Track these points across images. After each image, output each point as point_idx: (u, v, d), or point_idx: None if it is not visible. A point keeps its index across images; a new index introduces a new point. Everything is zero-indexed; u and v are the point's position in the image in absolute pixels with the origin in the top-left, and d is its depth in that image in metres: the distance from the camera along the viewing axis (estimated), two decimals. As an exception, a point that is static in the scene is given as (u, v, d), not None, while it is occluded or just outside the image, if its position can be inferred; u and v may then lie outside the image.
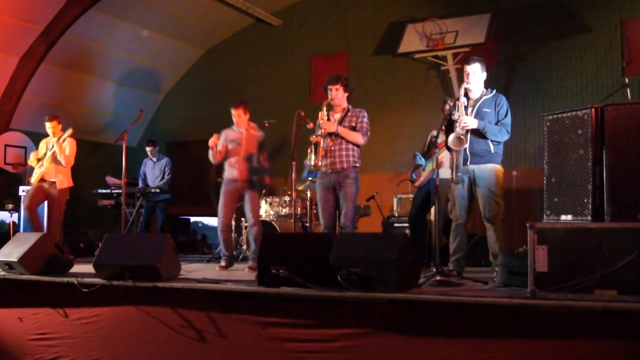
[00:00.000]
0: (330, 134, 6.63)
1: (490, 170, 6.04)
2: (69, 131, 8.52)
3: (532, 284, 4.12)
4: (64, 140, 8.51)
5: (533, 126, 10.28)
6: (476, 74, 6.17)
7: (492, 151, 6.05)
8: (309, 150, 6.73)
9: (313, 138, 6.68)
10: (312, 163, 6.67)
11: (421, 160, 7.72)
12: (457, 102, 6.14)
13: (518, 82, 10.98)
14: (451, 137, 5.94)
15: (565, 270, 4.11)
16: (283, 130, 9.68)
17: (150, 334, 5.25)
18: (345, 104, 6.76)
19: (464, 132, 5.94)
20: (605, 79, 10.26)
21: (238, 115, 7.92)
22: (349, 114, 6.71)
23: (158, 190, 10.29)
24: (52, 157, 8.49)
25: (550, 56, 10.78)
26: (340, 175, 6.56)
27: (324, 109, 6.68)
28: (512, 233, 9.10)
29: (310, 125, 6.95)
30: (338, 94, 6.69)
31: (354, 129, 6.63)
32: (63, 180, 8.52)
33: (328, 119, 6.76)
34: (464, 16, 11.06)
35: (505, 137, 6.05)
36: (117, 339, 5.39)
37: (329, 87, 6.71)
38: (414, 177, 7.84)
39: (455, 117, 6.05)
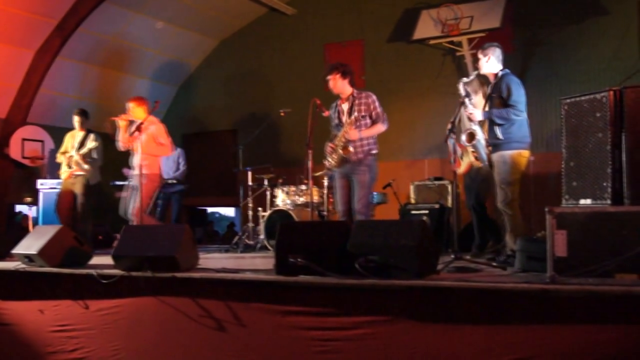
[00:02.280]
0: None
1: (499, 157, 6.07)
2: (97, 143, 8.62)
3: (552, 269, 4.10)
4: (91, 148, 8.63)
5: (550, 110, 10.19)
6: (481, 62, 6.27)
7: (503, 138, 6.02)
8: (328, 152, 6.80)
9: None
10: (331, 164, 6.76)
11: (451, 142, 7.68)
12: (465, 97, 6.22)
13: (534, 67, 10.89)
14: (462, 136, 6.03)
15: (585, 255, 4.08)
16: (298, 119, 9.67)
17: (170, 324, 5.28)
18: (349, 90, 6.75)
19: (472, 126, 6.02)
20: (623, 62, 10.15)
21: (131, 109, 8.05)
22: (356, 101, 6.69)
23: (174, 182, 10.31)
24: (77, 161, 8.60)
25: (566, 40, 10.68)
26: (355, 164, 6.60)
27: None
28: (530, 218, 9.05)
29: (326, 113, 6.95)
30: (336, 84, 6.73)
31: (365, 117, 6.64)
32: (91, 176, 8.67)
33: (339, 112, 6.77)
34: (479, 1, 10.97)
35: (513, 116, 5.97)
36: (137, 330, 5.43)
37: (327, 78, 6.75)
38: (453, 161, 7.78)
39: (467, 111, 6.16)
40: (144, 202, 7.85)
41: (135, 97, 8.25)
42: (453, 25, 10.91)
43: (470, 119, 6.20)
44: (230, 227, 15.41)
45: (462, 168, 7.37)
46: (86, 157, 8.60)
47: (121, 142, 8.13)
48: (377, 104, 6.72)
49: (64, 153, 8.87)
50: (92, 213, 8.89)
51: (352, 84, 6.78)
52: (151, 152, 7.95)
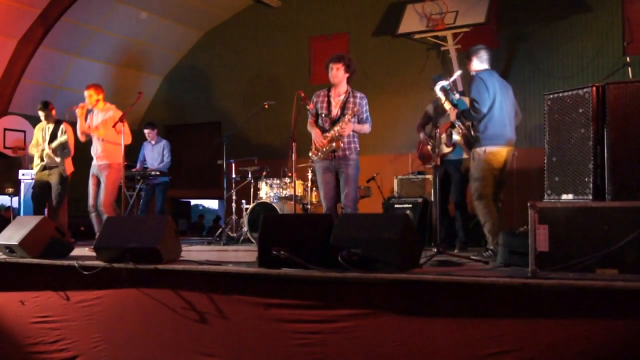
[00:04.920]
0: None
1: (471, 153, 6.26)
2: (67, 135, 8.47)
3: (533, 264, 4.11)
4: (62, 141, 8.47)
5: (533, 106, 10.25)
6: (470, 66, 6.42)
7: (473, 135, 6.20)
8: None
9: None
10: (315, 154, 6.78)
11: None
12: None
13: (518, 62, 10.95)
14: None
15: (566, 250, 4.10)
16: (283, 111, 9.67)
17: (152, 316, 5.26)
18: (345, 86, 6.76)
19: (457, 125, 6.27)
20: (606, 59, 10.22)
21: (89, 96, 7.93)
22: (350, 99, 6.71)
23: (158, 173, 10.27)
24: (49, 154, 8.46)
25: (551, 36, 10.73)
26: (342, 160, 6.63)
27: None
28: (512, 213, 9.09)
29: (311, 106, 6.93)
30: (339, 74, 6.70)
31: (354, 116, 6.68)
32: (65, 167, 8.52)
33: (329, 103, 6.77)
34: (464, -4, 11.02)
35: (472, 113, 6.12)
36: (119, 321, 5.40)
37: (331, 65, 6.73)
38: (423, 156, 7.85)
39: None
40: (112, 193, 7.78)
41: (93, 84, 8.08)
42: (438, 20, 10.94)
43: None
44: (216, 222, 15.37)
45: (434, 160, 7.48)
46: (58, 150, 8.43)
47: (80, 131, 7.99)
48: (367, 107, 6.80)
49: (35, 145, 8.69)
50: (68, 204, 8.76)
51: (349, 81, 6.80)
52: (112, 139, 7.76)
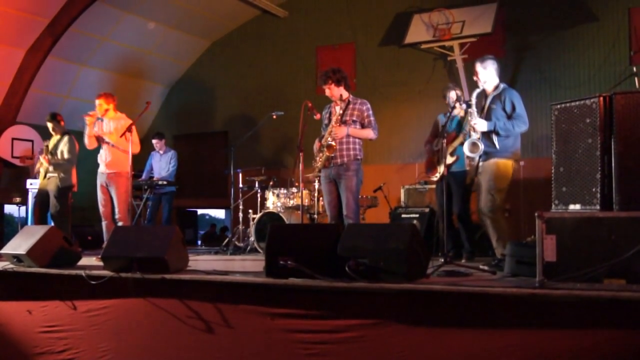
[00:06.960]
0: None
1: (491, 164, 6.13)
2: (65, 145, 8.51)
3: (541, 274, 4.11)
4: (55, 148, 8.52)
5: (540, 116, 10.22)
6: (481, 73, 6.30)
7: (497, 147, 6.07)
8: (316, 152, 6.81)
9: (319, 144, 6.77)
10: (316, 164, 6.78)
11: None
12: (467, 107, 6.33)
13: (525, 72, 10.94)
14: (466, 144, 6.06)
15: (574, 260, 4.08)
16: (290, 121, 9.70)
17: (159, 326, 5.26)
18: (345, 94, 6.77)
19: (478, 137, 6.02)
20: (613, 69, 10.21)
21: (99, 105, 7.98)
22: (350, 106, 6.72)
23: (165, 183, 10.29)
24: (46, 159, 8.49)
25: (557, 46, 10.73)
26: (341, 169, 6.61)
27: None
28: (519, 223, 9.08)
29: (318, 116, 6.96)
30: (333, 92, 6.77)
31: (355, 122, 6.66)
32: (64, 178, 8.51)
33: (330, 115, 6.80)
34: (470, 6, 11.03)
35: (521, 128, 6.10)
36: (126, 331, 5.41)
37: (323, 88, 6.79)
38: (430, 170, 7.80)
39: (472, 122, 6.14)
40: (125, 202, 7.78)
41: (104, 93, 8.14)
42: (445, 30, 10.95)
43: (473, 129, 6.18)
44: (222, 231, 15.37)
45: (441, 169, 7.38)
46: (53, 160, 8.44)
47: (87, 139, 8.00)
48: (370, 112, 6.75)
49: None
50: (73, 213, 8.76)
51: (347, 88, 6.80)
52: (124, 147, 7.73)
